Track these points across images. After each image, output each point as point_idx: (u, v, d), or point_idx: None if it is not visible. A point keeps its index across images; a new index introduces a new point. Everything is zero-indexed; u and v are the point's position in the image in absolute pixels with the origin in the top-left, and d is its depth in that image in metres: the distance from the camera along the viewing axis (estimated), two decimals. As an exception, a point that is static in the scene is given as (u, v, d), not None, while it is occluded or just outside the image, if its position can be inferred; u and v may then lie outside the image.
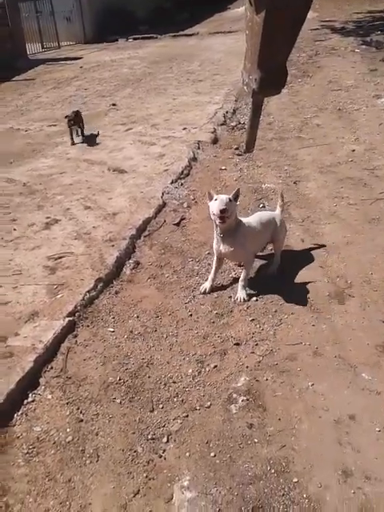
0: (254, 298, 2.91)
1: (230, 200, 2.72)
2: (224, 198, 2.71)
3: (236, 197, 2.80)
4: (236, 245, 2.85)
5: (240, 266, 3.21)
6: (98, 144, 5.71)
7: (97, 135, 5.98)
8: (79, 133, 5.94)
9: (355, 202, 3.91)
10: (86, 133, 5.99)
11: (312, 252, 3.32)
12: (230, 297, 2.95)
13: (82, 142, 5.83)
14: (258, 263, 3.19)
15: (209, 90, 7.62)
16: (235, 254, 2.92)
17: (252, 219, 3.02)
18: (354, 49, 9.34)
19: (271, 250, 3.25)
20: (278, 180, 4.41)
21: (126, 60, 10.97)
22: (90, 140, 5.87)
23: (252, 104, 1.91)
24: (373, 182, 4.22)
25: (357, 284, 2.96)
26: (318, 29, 11.66)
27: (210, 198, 2.78)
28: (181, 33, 13.81)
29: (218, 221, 2.75)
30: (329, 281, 3.01)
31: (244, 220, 2.95)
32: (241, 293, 2.91)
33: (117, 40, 13.95)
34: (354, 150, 4.90)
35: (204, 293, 2.99)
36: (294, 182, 4.35)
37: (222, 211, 2.67)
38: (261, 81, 1.66)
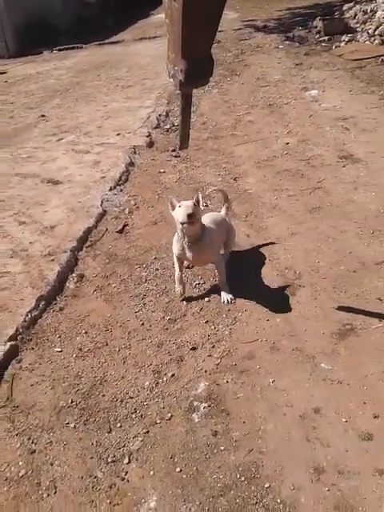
0: (207, 298, 2.83)
1: (194, 205, 2.59)
2: (189, 203, 2.58)
3: (198, 202, 2.66)
4: (205, 249, 2.73)
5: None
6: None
7: None
8: None
9: (295, 193, 3.93)
10: None
11: (258, 246, 3.28)
12: (182, 300, 2.85)
13: None
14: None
15: (139, 95, 7.50)
16: (205, 258, 2.82)
17: (207, 221, 2.90)
18: (278, 45, 9.52)
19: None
20: (217, 178, 4.36)
21: (52, 71, 10.64)
22: None
23: (181, 96, 1.80)
24: (309, 172, 4.26)
25: (305, 273, 2.94)
26: (241, 28, 11.82)
27: (173, 207, 2.66)
28: (106, 41, 13.58)
29: (185, 226, 2.60)
30: (278, 273, 2.98)
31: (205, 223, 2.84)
32: (225, 295, 2.81)
33: (42, 52, 13.53)
34: (287, 143, 4.95)
35: (181, 296, 2.86)
36: (234, 179, 4.32)
37: (190, 216, 2.53)
38: (187, 71, 1.56)
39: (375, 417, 1.98)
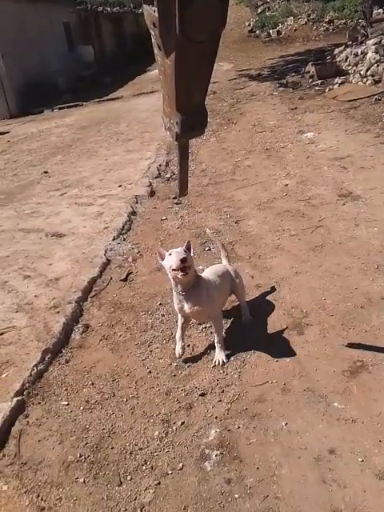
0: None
1: (185, 251, 2.46)
2: (179, 249, 2.47)
3: (188, 249, 2.54)
4: (201, 301, 2.55)
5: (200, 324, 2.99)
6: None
7: None
8: None
9: (297, 233, 3.96)
10: None
11: (263, 287, 3.27)
12: (188, 345, 2.81)
13: None
14: (228, 322, 2.99)
15: (139, 148, 7.73)
16: (202, 311, 2.60)
17: (209, 274, 2.79)
18: (272, 92, 9.87)
19: (234, 301, 3.08)
20: (219, 222, 4.42)
21: (53, 129, 11.04)
22: None
23: (178, 148, 1.87)
24: (310, 212, 4.30)
25: (312, 312, 2.92)
26: (235, 78, 12.31)
27: (162, 257, 2.52)
28: (105, 97, 14.15)
29: (179, 274, 2.42)
30: (285, 313, 2.95)
31: (202, 275, 2.71)
32: (219, 355, 2.64)
33: (42, 111, 14.09)
34: (287, 185, 5.04)
35: (180, 357, 2.68)
36: (236, 222, 4.37)
37: (183, 261, 2.39)
38: (182, 123, 1.63)
39: (393, 455, 1.91)
